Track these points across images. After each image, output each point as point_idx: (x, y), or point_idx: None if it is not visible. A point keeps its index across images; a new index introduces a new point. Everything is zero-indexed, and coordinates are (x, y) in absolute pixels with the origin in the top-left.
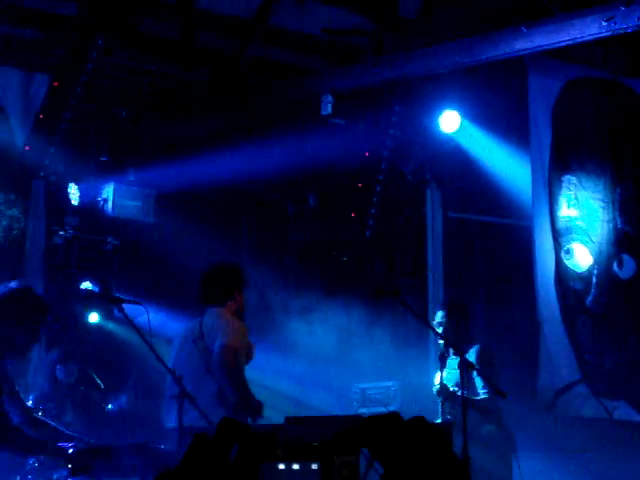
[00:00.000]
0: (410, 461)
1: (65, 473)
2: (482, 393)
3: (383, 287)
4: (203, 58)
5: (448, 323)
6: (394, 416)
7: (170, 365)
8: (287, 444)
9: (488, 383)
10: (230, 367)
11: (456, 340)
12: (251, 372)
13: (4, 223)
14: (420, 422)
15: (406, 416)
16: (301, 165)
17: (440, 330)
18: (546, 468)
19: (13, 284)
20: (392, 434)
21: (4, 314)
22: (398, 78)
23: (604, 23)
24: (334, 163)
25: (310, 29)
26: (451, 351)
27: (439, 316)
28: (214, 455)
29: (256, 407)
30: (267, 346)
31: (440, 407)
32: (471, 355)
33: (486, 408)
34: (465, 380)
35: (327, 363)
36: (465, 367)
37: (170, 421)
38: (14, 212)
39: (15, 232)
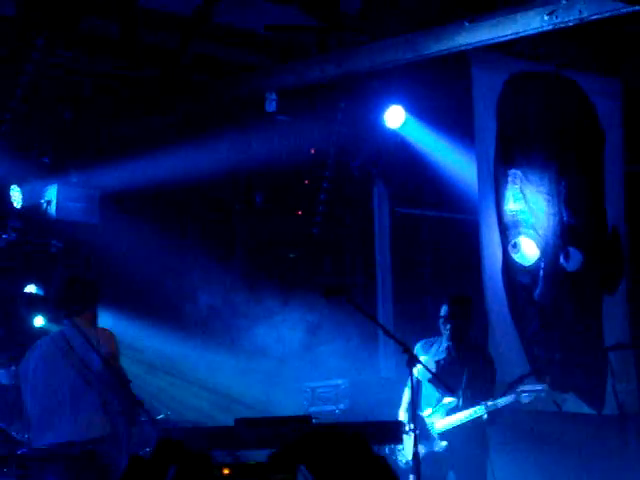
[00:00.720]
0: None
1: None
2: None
3: (332, 286)
4: (146, 56)
5: (452, 318)
6: (332, 434)
7: (37, 388)
8: (224, 463)
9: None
10: (118, 375)
11: (460, 337)
12: (204, 373)
13: None
14: (358, 440)
15: (356, 414)
16: (247, 163)
17: (446, 326)
18: (495, 461)
19: None
20: (330, 452)
21: None
22: (342, 74)
23: (546, 17)
24: (280, 160)
25: (254, 26)
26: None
27: (443, 310)
28: (150, 477)
29: (135, 414)
30: (217, 347)
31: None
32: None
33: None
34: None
35: (278, 362)
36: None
37: (42, 439)
38: None
39: None
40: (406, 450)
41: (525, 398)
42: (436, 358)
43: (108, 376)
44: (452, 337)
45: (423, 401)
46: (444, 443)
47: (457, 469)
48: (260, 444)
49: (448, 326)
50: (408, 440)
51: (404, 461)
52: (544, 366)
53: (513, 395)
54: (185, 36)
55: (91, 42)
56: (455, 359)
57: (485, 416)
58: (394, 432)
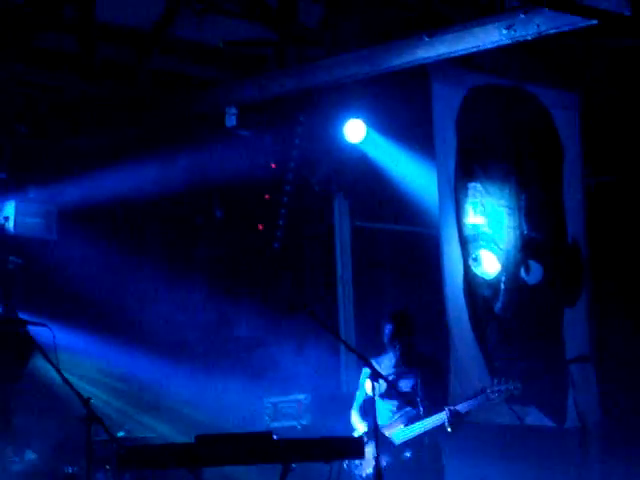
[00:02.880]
0: None
1: None
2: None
3: (293, 301)
4: (103, 71)
5: (398, 336)
6: None
7: None
8: None
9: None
10: None
11: (407, 351)
12: (161, 389)
13: None
14: None
15: (318, 430)
16: (207, 178)
17: (395, 345)
18: (459, 476)
19: None
20: None
21: None
22: (302, 88)
23: (504, 31)
24: (240, 175)
25: (212, 40)
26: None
27: (387, 330)
28: None
29: None
30: (175, 360)
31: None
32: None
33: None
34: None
35: (235, 377)
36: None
37: None
38: None
39: None
40: (365, 463)
41: (497, 397)
42: (386, 373)
43: None
44: (401, 353)
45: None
46: (408, 453)
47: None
48: (221, 461)
49: (396, 345)
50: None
51: (363, 475)
52: (505, 379)
53: (482, 396)
54: (143, 50)
55: (48, 56)
56: (405, 372)
57: (447, 423)
58: (356, 447)
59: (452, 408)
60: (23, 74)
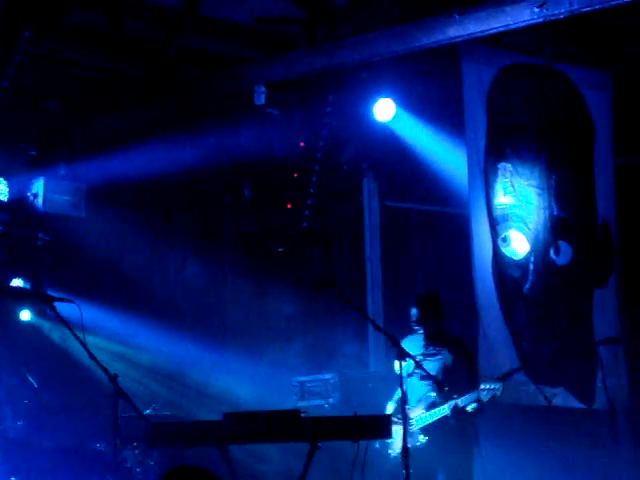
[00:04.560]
0: None
1: None
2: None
3: (322, 279)
4: (133, 49)
5: (423, 319)
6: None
7: None
8: None
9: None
10: None
11: (434, 333)
12: (190, 367)
13: None
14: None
15: (345, 409)
16: (236, 156)
17: (419, 328)
18: (486, 454)
19: None
20: None
21: None
22: (332, 67)
23: (536, 10)
24: (269, 154)
25: (242, 18)
26: (430, 347)
27: (413, 315)
28: None
29: None
30: (203, 338)
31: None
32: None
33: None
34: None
35: (263, 356)
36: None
37: None
38: None
39: None
40: (394, 443)
41: (484, 396)
42: (414, 353)
43: None
44: (426, 337)
45: (410, 396)
46: (423, 438)
47: (445, 468)
48: (249, 438)
49: (421, 329)
50: (396, 433)
51: (393, 455)
52: (534, 360)
53: (475, 393)
54: (172, 28)
55: (78, 34)
56: (431, 355)
57: (449, 415)
58: (383, 426)
59: (453, 403)
60: (53, 51)
